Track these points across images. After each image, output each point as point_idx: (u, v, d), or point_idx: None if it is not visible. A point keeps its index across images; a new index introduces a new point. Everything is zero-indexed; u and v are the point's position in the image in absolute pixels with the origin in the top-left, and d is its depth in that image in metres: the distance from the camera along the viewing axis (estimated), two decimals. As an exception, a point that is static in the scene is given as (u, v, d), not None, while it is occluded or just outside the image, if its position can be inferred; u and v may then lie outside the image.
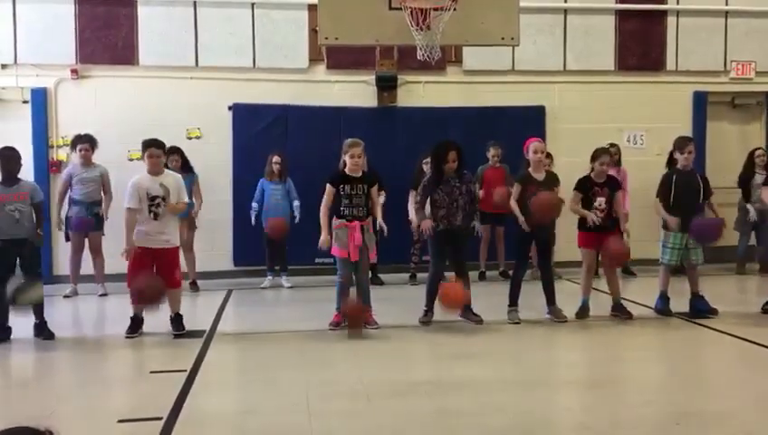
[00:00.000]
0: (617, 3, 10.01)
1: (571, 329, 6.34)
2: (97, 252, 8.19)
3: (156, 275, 5.98)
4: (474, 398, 4.44)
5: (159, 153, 6.25)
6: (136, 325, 6.19)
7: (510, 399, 4.43)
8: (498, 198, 7.84)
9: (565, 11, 9.93)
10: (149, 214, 6.10)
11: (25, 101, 9.10)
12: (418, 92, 9.68)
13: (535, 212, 6.24)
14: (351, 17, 6.22)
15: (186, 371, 5.02)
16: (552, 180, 6.61)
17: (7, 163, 6.10)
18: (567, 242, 8.33)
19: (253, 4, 9.32)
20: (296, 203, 8.51)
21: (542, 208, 6.21)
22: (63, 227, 8.19)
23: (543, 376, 5.08)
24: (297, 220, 8.47)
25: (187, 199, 6.45)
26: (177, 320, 6.23)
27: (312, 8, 8.93)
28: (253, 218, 8.52)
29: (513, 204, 6.48)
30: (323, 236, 6.28)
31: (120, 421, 4.06)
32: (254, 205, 8.52)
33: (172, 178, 6.30)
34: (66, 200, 8.20)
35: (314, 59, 9.43)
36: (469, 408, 4.26)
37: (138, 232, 6.10)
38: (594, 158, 6.62)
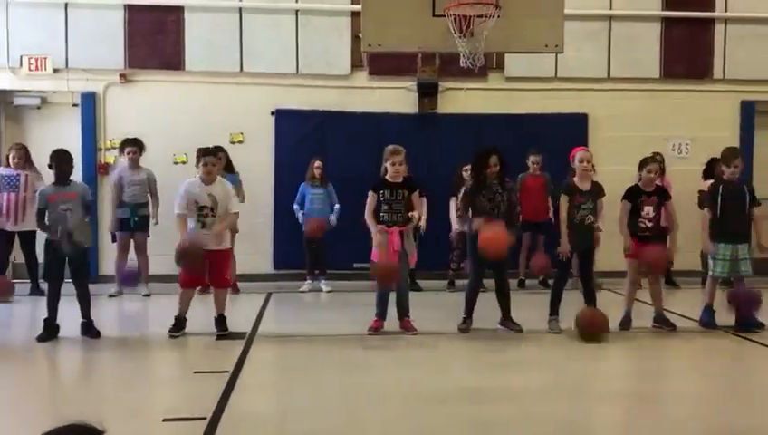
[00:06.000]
0: (663, 10, 9.87)
1: (613, 340, 6.25)
2: (142, 252, 8.36)
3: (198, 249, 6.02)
4: (515, 407, 4.42)
5: (214, 161, 6.32)
6: (179, 325, 6.30)
7: (552, 409, 4.39)
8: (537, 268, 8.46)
9: (610, 18, 9.82)
10: (198, 222, 6.18)
11: (75, 105, 9.33)
12: (460, 99, 9.67)
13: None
14: (395, 24, 6.26)
15: (228, 371, 5.09)
16: (597, 191, 6.51)
17: (61, 164, 6.26)
18: (609, 251, 8.23)
19: (297, 11, 9.43)
20: (336, 206, 8.60)
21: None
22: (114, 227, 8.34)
23: (585, 387, 5.03)
24: (334, 223, 8.54)
25: (236, 209, 6.49)
26: (221, 321, 6.32)
27: (354, 15, 8.99)
28: (300, 217, 8.60)
29: (562, 219, 6.37)
30: (377, 238, 6.26)
31: (166, 420, 4.15)
32: (297, 207, 8.64)
33: (221, 188, 6.28)
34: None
35: (356, 65, 9.50)
36: (511, 417, 4.24)
37: (189, 233, 6.13)
38: (642, 165, 6.55)
